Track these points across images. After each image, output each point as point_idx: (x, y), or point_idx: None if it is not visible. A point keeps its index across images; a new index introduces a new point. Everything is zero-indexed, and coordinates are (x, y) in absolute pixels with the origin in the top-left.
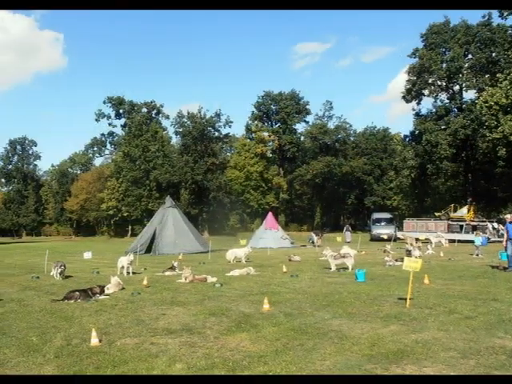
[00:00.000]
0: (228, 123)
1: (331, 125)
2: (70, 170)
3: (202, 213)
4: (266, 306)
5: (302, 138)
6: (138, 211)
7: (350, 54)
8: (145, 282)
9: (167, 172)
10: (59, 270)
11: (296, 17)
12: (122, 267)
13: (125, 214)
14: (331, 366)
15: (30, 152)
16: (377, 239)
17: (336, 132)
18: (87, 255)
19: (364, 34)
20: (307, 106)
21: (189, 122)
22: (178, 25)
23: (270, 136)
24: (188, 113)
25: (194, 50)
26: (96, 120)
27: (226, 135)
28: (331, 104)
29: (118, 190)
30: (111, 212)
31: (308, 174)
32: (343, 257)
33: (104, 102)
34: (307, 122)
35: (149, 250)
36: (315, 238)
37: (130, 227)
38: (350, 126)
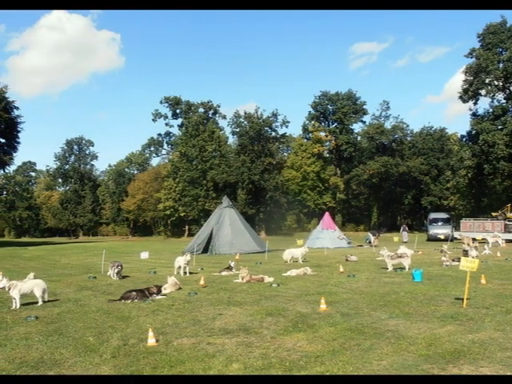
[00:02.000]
0: (285, 123)
1: (388, 125)
2: (126, 169)
3: (259, 213)
4: (323, 306)
5: (359, 138)
6: (195, 211)
7: (407, 54)
8: (202, 282)
9: (224, 172)
10: (116, 270)
11: (353, 17)
12: (179, 267)
13: (182, 214)
14: (388, 366)
15: (87, 152)
16: (434, 239)
17: (393, 132)
18: (144, 255)
19: (421, 33)
20: (364, 106)
21: (246, 122)
22: (235, 25)
23: (326, 136)
24: (245, 113)
25: (251, 50)
26: (153, 120)
27: (283, 135)
28: (388, 104)
29: (175, 190)
30: (168, 212)
31: (365, 173)
32: (400, 257)
33: (161, 102)
34: (364, 122)
35: (206, 250)
36: (372, 237)
37: (186, 227)
38: (407, 125)
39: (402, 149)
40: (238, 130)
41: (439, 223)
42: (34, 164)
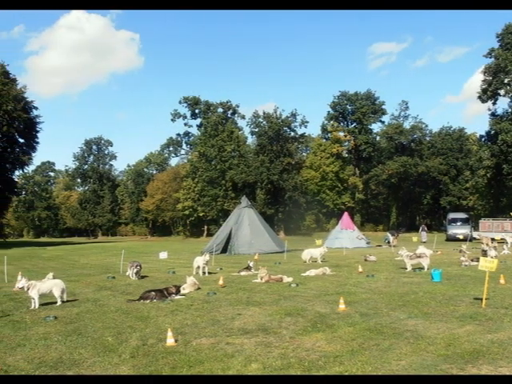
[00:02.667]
0: (304, 123)
1: (407, 125)
2: (145, 170)
3: (278, 213)
4: (342, 306)
5: (378, 138)
6: (214, 211)
7: (426, 54)
8: (220, 282)
9: (243, 172)
10: (135, 270)
11: (372, 17)
12: (198, 267)
13: (200, 214)
14: (407, 366)
15: (106, 152)
16: (452, 239)
17: (412, 132)
18: (163, 255)
19: (440, 34)
20: (383, 106)
21: (264, 122)
22: (254, 25)
23: (345, 136)
24: (264, 113)
25: (269, 50)
26: (172, 120)
27: (302, 135)
28: (407, 104)
29: (194, 190)
30: (187, 212)
31: (384, 173)
32: (419, 257)
33: (180, 102)
34: (383, 122)
35: (224, 250)
36: (391, 237)
37: (205, 227)
38: (426, 125)
39: (420, 149)
40: (256, 129)
41: (458, 223)
42: (53, 164)
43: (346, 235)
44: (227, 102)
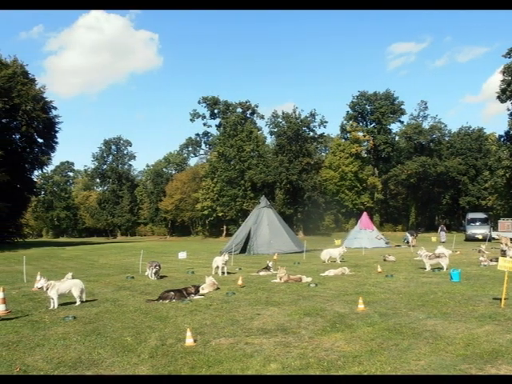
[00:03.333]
0: (323, 123)
1: (426, 125)
2: (164, 169)
3: (297, 213)
4: (361, 306)
5: (397, 138)
6: (233, 211)
7: (446, 54)
8: (239, 282)
9: (262, 172)
10: (154, 270)
11: (391, 17)
12: (217, 267)
13: (219, 214)
14: (426, 366)
15: (125, 152)
16: (471, 239)
17: (431, 132)
18: (182, 255)
19: (459, 34)
20: (402, 106)
21: (283, 122)
22: (273, 25)
23: (364, 136)
24: (283, 113)
25: (288, 50)
26: (191, 120)
27: (321, 135)
28: (426, 104)
29: (213, 190)
30: (206, 212)
31: (403, 173)
32: (438, 257)
33: (199, 102)
34: (402, 122)
35: (244, 249)
36: (410, 237)
37: (224, 227)
38: (445, 125)
39: (439, 149)
40: (275, 129)
41: (477, 223)
42: (72, 164)
43: (365, 235)
44: (246, 102)
